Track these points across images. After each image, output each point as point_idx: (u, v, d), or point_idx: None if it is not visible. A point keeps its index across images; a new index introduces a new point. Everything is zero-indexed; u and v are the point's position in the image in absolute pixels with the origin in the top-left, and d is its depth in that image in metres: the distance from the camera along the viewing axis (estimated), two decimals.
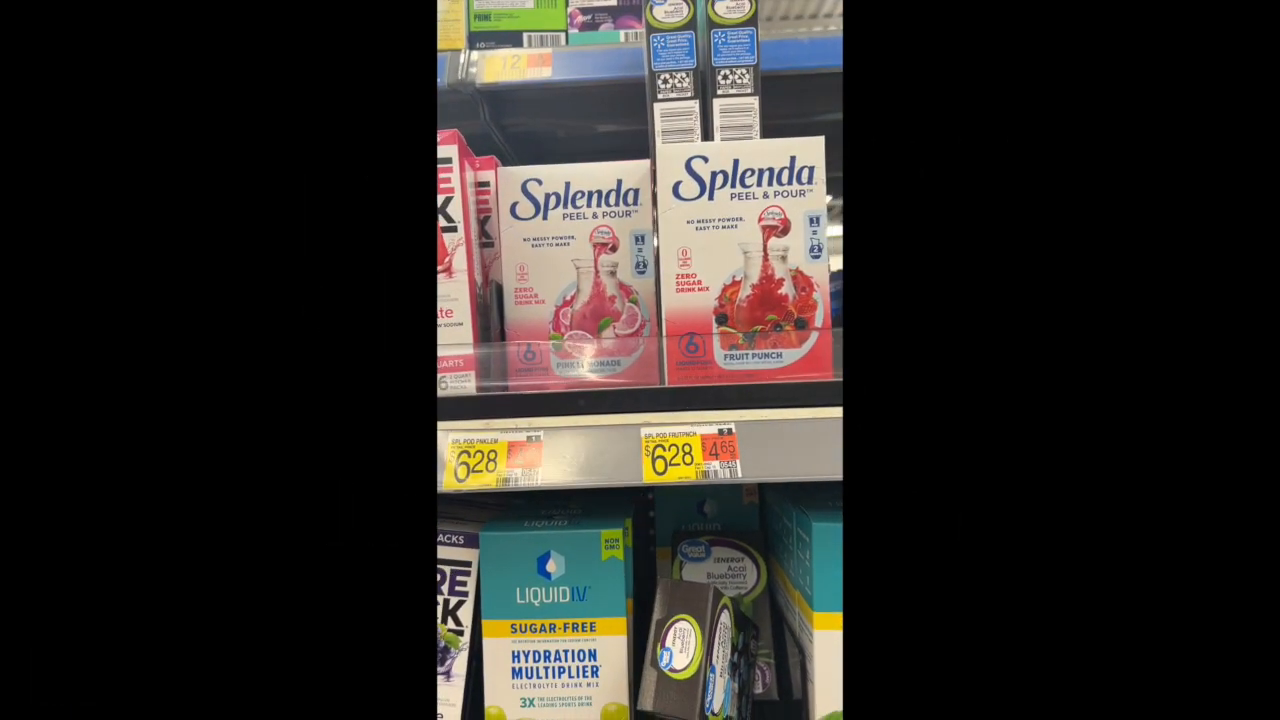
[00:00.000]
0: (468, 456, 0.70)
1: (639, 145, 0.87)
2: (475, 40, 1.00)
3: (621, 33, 1.00)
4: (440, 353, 0.75)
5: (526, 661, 0.75)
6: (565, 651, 0.75)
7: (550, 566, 0.75)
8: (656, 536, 1.01)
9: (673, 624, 0.72)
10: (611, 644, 0.75)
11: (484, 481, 0.69)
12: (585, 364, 0.78)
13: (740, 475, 0.69)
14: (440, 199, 0.75)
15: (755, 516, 1.00)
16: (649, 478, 0.69)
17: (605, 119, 1.08)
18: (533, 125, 1.11)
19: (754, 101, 0.82)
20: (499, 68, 0.93)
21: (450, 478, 0.69)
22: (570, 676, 0.75)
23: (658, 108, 0.83)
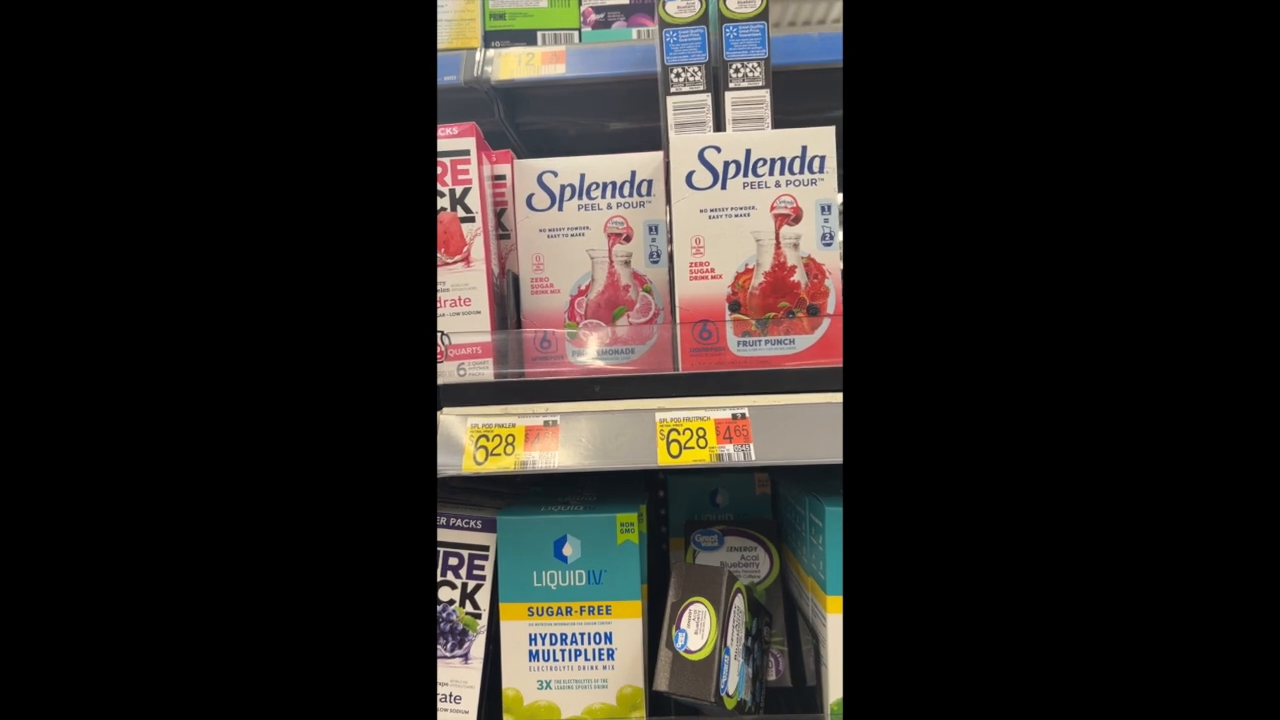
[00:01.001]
0: (486, 441, 0.72)
1: (651, 143, 0.89)
2: (490, 39, 1.01)
3: (634, 30, 1.01)
4: (457, 340, 0.77)
5: (543, 644, 0.76)
6: (582, 634, 0.76)
7: (567, 550, 0.76)
8: (669, 527, 1.02)
9: (688, 606, 0.73)
10: (627, 627, 0.76)
11: (502, 465, 0.70)
12: (600, 351, 0.80)
13: (754, 458, 0.70)
14: (459, 190, 0.77)
15: (768, 507, 1.01)
16: (664, 460, 0.70)
17: (617, 116, 1.10)
18: (546, 123, 1.13)
19: (765, 94, 0.84)
20: (514, 65, 0.95)
21: (469, 461, 0.71)
22: (586, 659, 0.76)
23: (670, 101, 0.85)
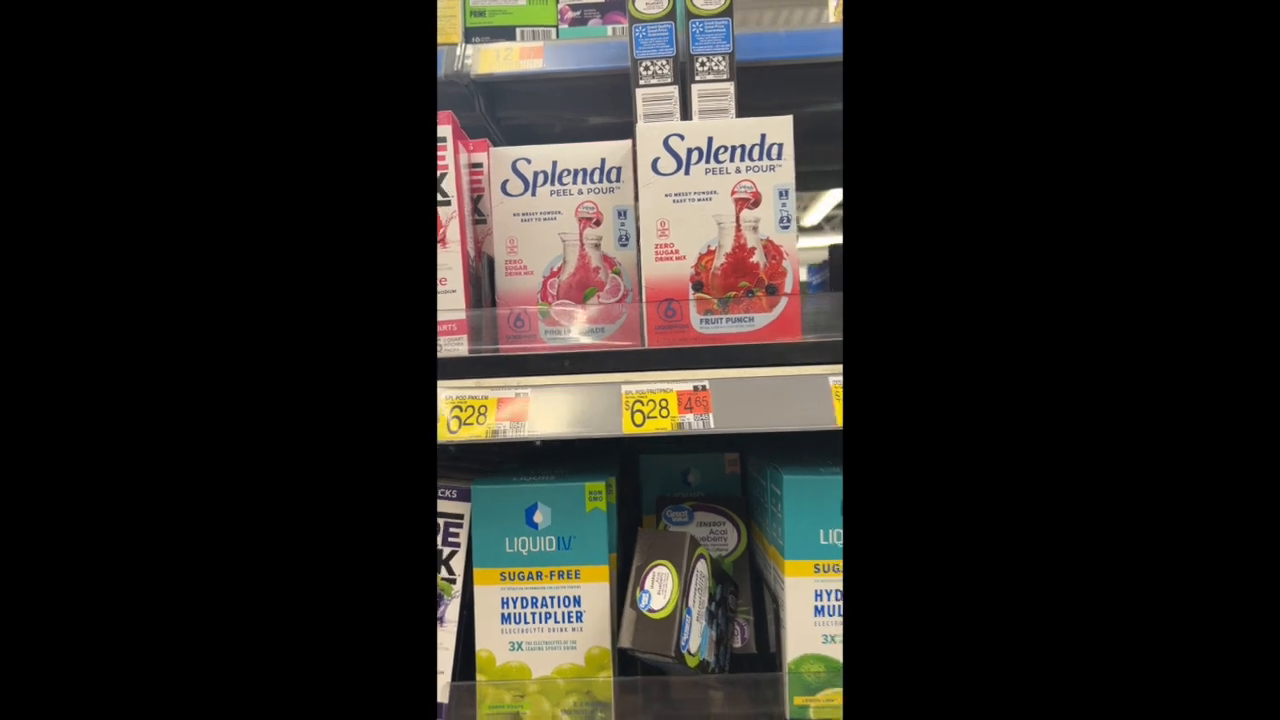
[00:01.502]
0: (460, 410, 0.75)
1: (626, 136, 0.93)
2: (470, 35, 1.06)
3: (609, 27, 1.06)
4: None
5: (515, 608, 0.80)
6: (551, 598, 0.80)
7: (538, 517, 0.80)
8: (642, 506, 1.05)
9: (651, 569, 0.77)
10: (595, 591, 0.80)
11: (474, 433, 0.74)
12: (571, 330, 0.84)
13: (713, 426, 0.74)
14: (436, 175, 0.80)
15: (737, 485, 1.05)
16: (628, 429, 0.74)
17: (593, 110, 1.14)
18: (525, 118, 1.17)
19: (729, 87, 0.88)
20: (493, 59, 0.99)
21: (444, 429, 0.74)
22: (556, 622, 0.80)
23: (640, 93, 0.89)
